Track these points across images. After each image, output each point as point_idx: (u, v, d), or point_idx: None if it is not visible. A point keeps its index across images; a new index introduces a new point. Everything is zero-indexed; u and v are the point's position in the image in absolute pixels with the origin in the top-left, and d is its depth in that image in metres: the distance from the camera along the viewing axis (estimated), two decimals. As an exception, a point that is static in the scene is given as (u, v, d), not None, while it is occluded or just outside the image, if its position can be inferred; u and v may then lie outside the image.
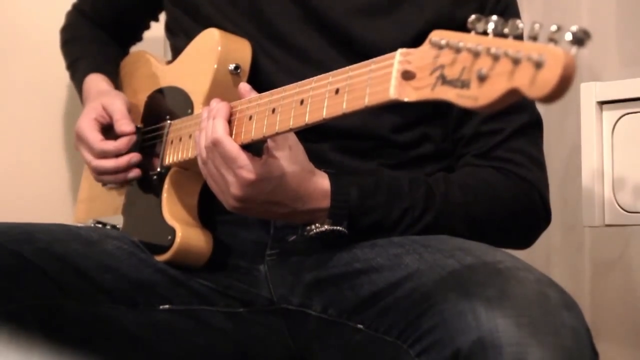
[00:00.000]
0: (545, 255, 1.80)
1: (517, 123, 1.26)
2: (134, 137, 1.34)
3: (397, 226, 1.19)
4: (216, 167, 1.15)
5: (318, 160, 1.25)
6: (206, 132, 1.16)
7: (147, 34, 1.65)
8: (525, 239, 1.29)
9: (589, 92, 1.36)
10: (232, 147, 1.12)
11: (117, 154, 1.34)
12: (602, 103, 1.36)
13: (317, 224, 1.16)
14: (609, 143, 1.35)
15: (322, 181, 1.17)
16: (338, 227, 1.16)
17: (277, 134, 1.10)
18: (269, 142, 1.13)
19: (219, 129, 1.14)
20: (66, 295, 1.17)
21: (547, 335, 0.93)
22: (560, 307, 0.97)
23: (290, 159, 1.14)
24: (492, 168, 1.25)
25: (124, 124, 1.34)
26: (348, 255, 1.19)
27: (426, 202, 1.19)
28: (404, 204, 1.19)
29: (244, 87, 1.18)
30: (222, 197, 1.17)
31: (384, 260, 1.14)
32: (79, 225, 1.38)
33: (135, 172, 1.34)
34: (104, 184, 1.40)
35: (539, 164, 1.28)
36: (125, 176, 1.34)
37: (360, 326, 1.13)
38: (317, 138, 1.24)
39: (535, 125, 1.29)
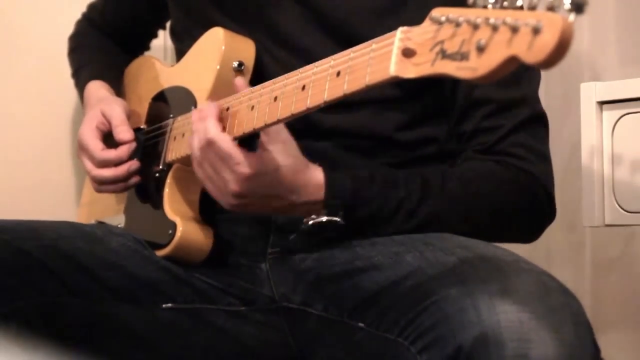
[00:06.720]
0: (546, 255, 1.81)
1: (518, 118, 1.24)
2: (133, 144, 1.34)
3: (393, 217, 1.19)
4: (212, 167, 1.16)
5: (320, 159, 1.25)
6: (199, 134, 1.17)
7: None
8: (529, 233, 1.28)
9: (589, 92, 1.37)
10: (228, 145, 1.14)
11: (118, 163, 1.33)
12: (602, 103, 1.36)
13: (313, 216, 1.17)
14: (609, 143, 1.35)
15: (317, 173, 1.18)
16: (334, 218, 1.17)
17: (279, 120, 1.10)
18: (262, 137, 1.15)
19: (212, 128, 1.15)
20: (71, 292, 1.17)
21: (549, 331, 0.93)
22: (562, 303, 0.97)
23: (284, 152, 1.15)
24: (494, 162, 1.24)
25: (123, 131, 1.34)
26: (349, 253, 1.19)
27: (422, 192, 1.19)
28: (399, 193, 1.19)
29: (239, 81, 1.20)
30: (220, 196, 1.17)
31: (385, 258, 1.14)
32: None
33: (134, 180, 1.34)
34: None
35: (544, 158, 1.26)
36: (125, 185, 1.34)
37: (361, 325, 1.13)
38: (319, 137, 1.25)
39: (537, 120, 1.27)
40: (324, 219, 1.16)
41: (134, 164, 1.33)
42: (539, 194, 1.24)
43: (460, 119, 1.26)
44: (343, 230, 1.18)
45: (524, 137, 1.25)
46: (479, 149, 1.25)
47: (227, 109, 1.19)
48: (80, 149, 1.38)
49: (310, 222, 1.17)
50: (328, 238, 1.20)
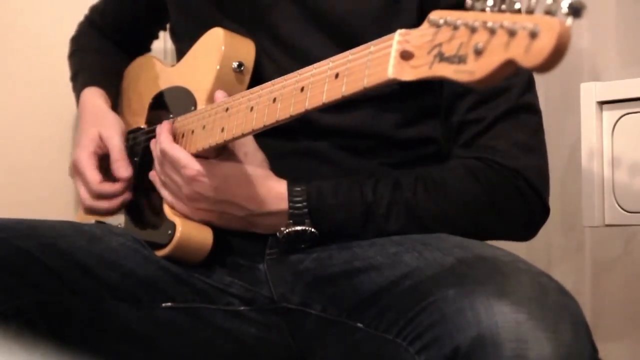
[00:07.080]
0: (546, 255, 1.81)
1: (500, 109, 1.22)
2: (131, 180, 1.35)
3: (366, 224, 1.20)
4: (169, 177, 1.24)
5: (318, 159, 1.26)
6: (156, 152, 1.27)
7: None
8: (522, 231, 1.26)
9: (589, 92, 1.37)
10: (175, 151, 1.23)
11: (113, 196, 1.35)
12: (602, 103, 1.36)
13: (282, 228, 1.21)
14: (609, 143, 1.35)
15: (278, 185, 1.22)
16: (306, 228, 1.20)
17: (278, 122, 1.11)
18: (229, 147, 1.21)
19: (164, 141, 1.25)
20: (70, 291, 1.17)
21: (546, 331, 0.93)
22: (560, 303, 0.97)
23: (241, 162, 1.22)
24: (473, 159, 1.22)
25: (121, 167, 1.35)
26: (347, 253, 1.19)
27: (392, 195, 1.20)
28: (366, 199, 1.20)
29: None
30: (181, 207, 1.24)
31: (383, 259, 1.14)
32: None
33: (123, 209, 1.36)
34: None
35: (529, 150, 1.23)
36: (113, 213, 1.36)
37: (360, 325, 1.13)
38: (317, 136, 1.25)
39: (523, 109, 1.24)
40: (298, 228, 1.20)
41: (127, 196, 1.35)
42: (520, 188, 1.21)
43: (447, 112, 1.25)
44: (319, 239, 1.21)
45: (507, 129, 1.22)
46: (462, 143, 1.24)
47: (227, 109, 1.19)
48: (76, 173, 1.38)
49: (286, 232, 1.21)
50: (310, 246, 1.22)
